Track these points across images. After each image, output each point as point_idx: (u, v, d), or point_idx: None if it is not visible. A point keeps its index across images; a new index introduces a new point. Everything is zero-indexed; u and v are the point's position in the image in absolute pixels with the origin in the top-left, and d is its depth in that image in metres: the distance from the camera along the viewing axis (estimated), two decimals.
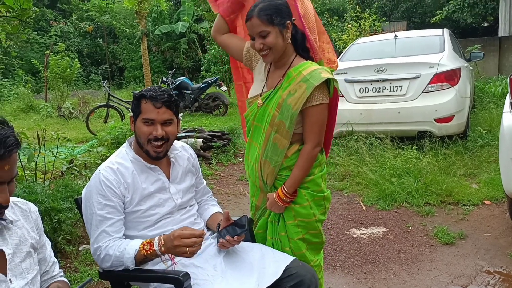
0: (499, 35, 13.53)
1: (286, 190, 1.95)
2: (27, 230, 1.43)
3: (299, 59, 2.00)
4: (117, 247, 1.68)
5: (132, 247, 1.67)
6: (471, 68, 7.28)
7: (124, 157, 1.83)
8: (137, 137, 1.82)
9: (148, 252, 1.65)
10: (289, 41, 1.94)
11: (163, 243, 1.63)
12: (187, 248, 1.59)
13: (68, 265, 3.17)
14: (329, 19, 17.25)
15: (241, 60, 2.20)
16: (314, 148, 1.95)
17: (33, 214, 1.49)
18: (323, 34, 2.11)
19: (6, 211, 1.35)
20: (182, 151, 2.00)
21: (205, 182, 2.17)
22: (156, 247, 1.64)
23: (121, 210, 1.75)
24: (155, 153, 1.79)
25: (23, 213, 1.45)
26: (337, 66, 2.07)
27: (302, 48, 2.00)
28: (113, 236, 1.71)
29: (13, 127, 1.28)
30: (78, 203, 1.90)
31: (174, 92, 10.53)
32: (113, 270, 1.71)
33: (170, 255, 1.70)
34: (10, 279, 1.30)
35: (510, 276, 2.82)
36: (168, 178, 1.88)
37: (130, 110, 1.92)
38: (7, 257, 1.32)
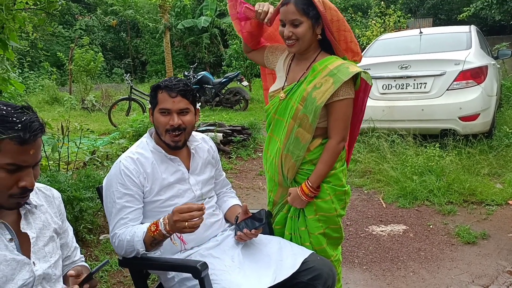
0: None
1: (310, 185, 1.94)
2: (50, 215, 1.46)
3: (323, 54, 1.99)
4: (128, 232, 1.68)
5: (141, 230, 1.66)
6: (499, 66, 7.09)
7: (144, 147, 1.85)
8: (156, 128, 1.84)
9: (155, 232, 1.61)
10: (319, 36, 1.92)
11: (167, 222, 1.59)
12: (186, 223, 1.53)
13: (88, 253, 3.23)
14: (352, 15, 17.04)
15: (265, 67, 2.20)
16: (339, 143, 1.94)
17: (56, 200, 1.52)
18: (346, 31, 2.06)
19: (31, 196, 1.38)
20: (203, 143, 2.01)
21: (224, 174, 2.17)
22: (161, 227, 1.60)
23: (140, 199, 1.77)
24: (173, 143, 1.81)
25: (46, 198, 1.48)
26: (361, 58, 2.04)
27: (327, 44, 1.97)
28: (129, 224, 1.72)
29: (36, 112, 1.31)
30: (99, 191, 1.93)
31: (195, 86, 10.70)
32: (130, 257, 1.72)
33: (179, 235, 1.70)
34: (33, 262, 1.33)
35: None
36: (188, 169, 1.89)
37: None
38: (31, 241, 1.35)
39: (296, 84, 1.97)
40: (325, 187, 1.98)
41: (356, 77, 1.91)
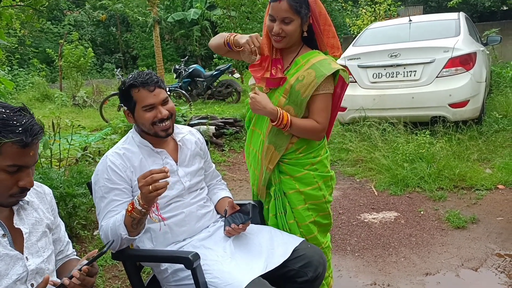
0: None
1: (291, 122, 1.90)
2: (42, 211, 1.48)
3: (306, 48, 2.02)
4: (111, 221, 1.70)
5: (121, 214, 1.68)
6: (488, 52, 7.14)
7: (131, 142, 1.87)
8: (140, 126, 1.84)
9: (132, 211, 1.60)
10: (305, 33, 1.95)
11: (140, 197, 1.58)
12: (150, 187, 1.51)
13: (83, 249, 3.25)
14: (343, 5, 17.00)
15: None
16: (321, 130, 1.97)
17: (48, 196, 1.54)
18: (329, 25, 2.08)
19: None
20: (189, 135, 2.02)
21: (214, 166, 2.19)
22: (136, 204, 1.59)
23: (129, 193, 1.78)
24: (164, 132, 1.83)
25: (38, 195, 1.50)
26: (340, 53, 2.06)
27: (309, 38, 2.00)
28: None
29: (33, 114, 1.33)
30: (89, 186, 1.95)
31: (186, 80, 10.66)
32: (120, 249, 1.73)
33: (158, 213, 1.71)
34: (26, 257, 1.35)
35: None
36: (176, 162, 1.91)
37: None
38: (24, 236, 1.37)
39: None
40: (312, 174, 2.02)
41: (335, 74, 1.94)
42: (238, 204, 1.97)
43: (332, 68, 1.89)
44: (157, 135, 1.83)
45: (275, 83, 1.99)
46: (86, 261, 1.33)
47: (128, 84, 1.79)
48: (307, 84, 1.90)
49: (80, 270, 1.29)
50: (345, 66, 2.02)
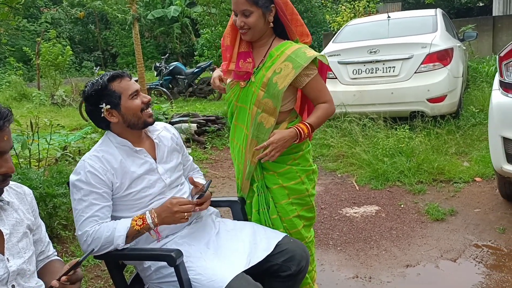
0: (493, 14, 13.49)
1: (311, 125, 1.98)
2: (22, 212, 1.46)
3: (278, 40, 2.04)
4: (106, 228, 1.69)
5: (122, 225, 1.70)
6: (465, 48, 7.28)
7: (108, 144, 1.83)
8: (129, 117, 1.80)
9: (141, 226, 1.69)
10: (271, 24, 1.97)
11: (155, 215, 1.69)
12: (186, 213, 1.69)
13: (64, 249, 3.21)
14: (323, 1, 17.11)
15: None
16: (332, 105, 2.05)
17: (28, 196, 1.52)
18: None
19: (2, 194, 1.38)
20: (164, 131, 2.01)
21: (191, 158, 2.19)
22: (149, 221, 1.69)
23: (108, 197, 1.76)
24: (151, 119, 1.85)
25: (18, 195, 1.48)
26: (310, 40, 2.10)
27: (281, 30, 2.03)
28: (100, 221, 1.72)
29: None
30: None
31: (167, 77, 10.59)
32: (98, 253, 1.71)
33: (156, 229, 1.74)
34: (7, 258, 1.33)
35: (498, 249, 2.89)
36: (155, 159, 1.90)
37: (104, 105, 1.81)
38: (5, 237, 1.35)
39: (255, 70, 2.01)
40: (295, 169, 2.04)
41: (314, 59, 1.98)
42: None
43: (308, 57, 1.93)
44: (146, 122, 1.83)
45: (241, 76, 2.03)
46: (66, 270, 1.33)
47: (106, 79, 1.77)
48: (285, 76, 1.92)
49: (59, 280, 1.30)
50: None
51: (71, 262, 1.36)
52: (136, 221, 1.70)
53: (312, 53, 1.96)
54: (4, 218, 1.38)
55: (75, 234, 3.38)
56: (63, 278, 1.30)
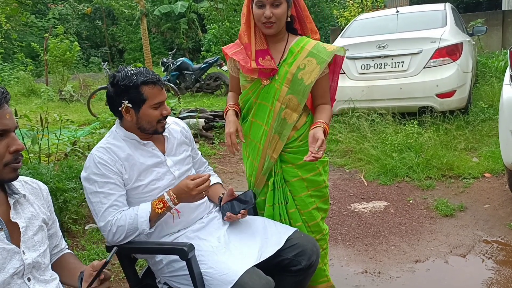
0: (503, 9, 13.34)
1: (327, 125, 1.99)
2: (38, 206, 1.47)
3: (292, 36, 2.05)
4: (127, 215, 1.71)
5: (143, 210, 1.72)
6: (474, 42, 7.22)
7: (116, 137, 1.84)
8: (143, 123, 1.79)
9: (163, 209, 1.73)
10: (288, 19, 1.98)
11: (174, 197, 1.74)
12: (204, 192, 1.75)
13: (75, 243, 3.24)
14: None
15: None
16: (331, 108, 2.11)
17: (44, 191, 1.53)
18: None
19: (18, 187, 1.40)
20: (174, 125, 2.02)
21: (200, 153, 2.20)
22: (170, 203, 1.73)
23: (122, 186, 1.77)
24: (162, 129, 1.86)
25: (33, 190, 1.49)
26: (319, 37, 2.10)
27: (291, 27, 2.05)
28: (119, 209, 1.74)
29: None
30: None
31: (175, 73, 10.59)
32: (123, 241, 1.74)
33: (175, 208, 1.78)
34: (23, 251, 1.34)
35: (507, 245, 2.88)
36: (164, 152, 1.90)
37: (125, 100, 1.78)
38: (21, 230, 1.36)
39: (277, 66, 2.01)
40: None
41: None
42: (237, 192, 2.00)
43: (330, 52, 1.97)
44: (157, 131, 1.83)
45: (267, 74, 2.02)
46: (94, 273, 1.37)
47: (141, 80, 1.73)
48: (310, 72, 1.95)
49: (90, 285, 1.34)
50: None
51: (98, 263, 1.37)
52: (156, 204, 1.73)
53: (331, 48, 1.99)
54: (21, 212, 1.40)
55: (85, 228, 3.42)
56: (94, 284, 1.35)
